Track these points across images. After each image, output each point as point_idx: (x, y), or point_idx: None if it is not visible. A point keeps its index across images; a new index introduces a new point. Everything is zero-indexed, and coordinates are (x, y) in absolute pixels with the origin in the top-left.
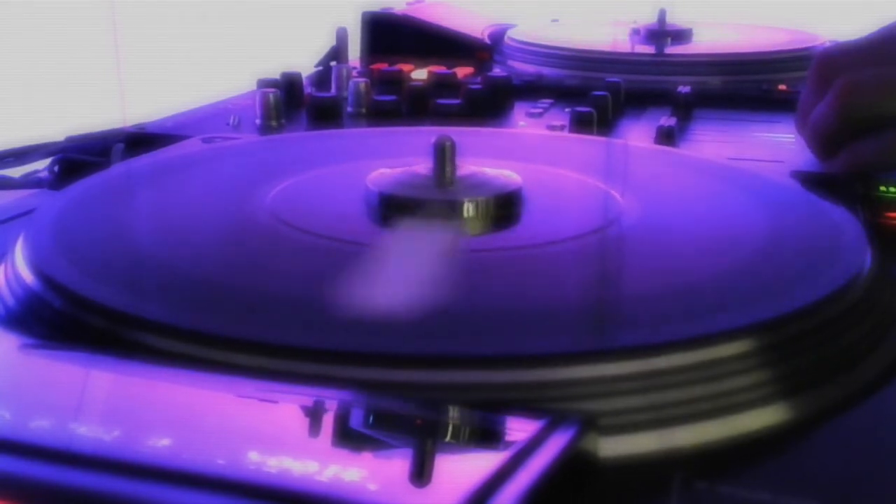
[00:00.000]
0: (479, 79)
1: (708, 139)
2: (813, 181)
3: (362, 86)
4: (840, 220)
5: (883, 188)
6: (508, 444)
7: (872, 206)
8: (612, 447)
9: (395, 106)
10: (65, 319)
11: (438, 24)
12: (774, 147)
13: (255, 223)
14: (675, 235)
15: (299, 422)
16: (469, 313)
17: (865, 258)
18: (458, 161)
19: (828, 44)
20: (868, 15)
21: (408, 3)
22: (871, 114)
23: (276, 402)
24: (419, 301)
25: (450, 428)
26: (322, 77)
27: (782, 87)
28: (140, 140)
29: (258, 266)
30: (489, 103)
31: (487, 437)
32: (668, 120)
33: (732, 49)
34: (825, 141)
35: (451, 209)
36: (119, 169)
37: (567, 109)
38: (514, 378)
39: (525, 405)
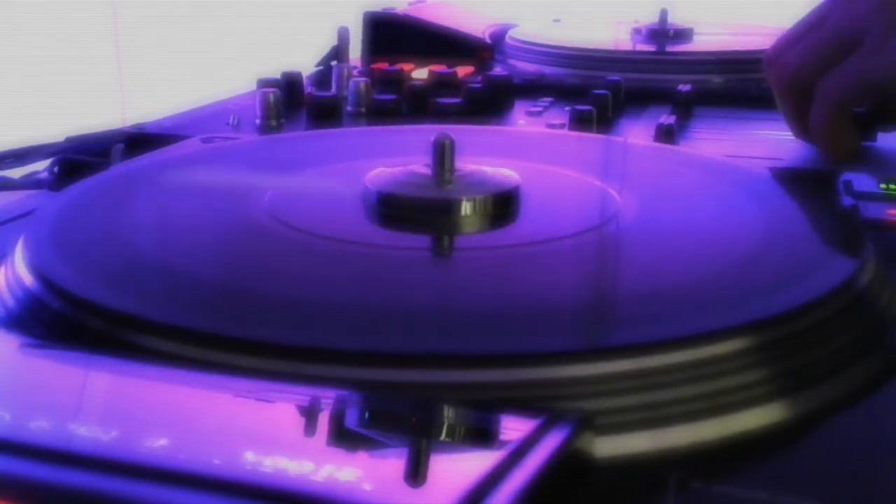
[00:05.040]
0: (479, 78)
1: (707, 137)
2: (813, 179)
3: (362, 85)
4: (838, 217)
5: (884, 185)
6: (503, 444)
7: (872, 204)
8: (608, 447)
9: (396, 105)
10: (64, 321)
11: (440, 23)
12: (774, 145)
13: (254, 223)
14: (671, 233)
15: (295, 421)
16: (464, 312)
17: (863, 256)
18: (458, 160)
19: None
20: None
21: (409, 3)
22: (801, 85)
23: (272, 401)
24: None
25: (445, 427)
26: (323, 77)
27: None
28: (140, 140)
29: (256, 266)
30: (489, 102)
31: (482, 436)
32: (667, 118)
33: (733, 48)
34: (799, 134)
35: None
36: (119, 169)
37: (567, 108)
38: (509, 377)
39: (520, 404)
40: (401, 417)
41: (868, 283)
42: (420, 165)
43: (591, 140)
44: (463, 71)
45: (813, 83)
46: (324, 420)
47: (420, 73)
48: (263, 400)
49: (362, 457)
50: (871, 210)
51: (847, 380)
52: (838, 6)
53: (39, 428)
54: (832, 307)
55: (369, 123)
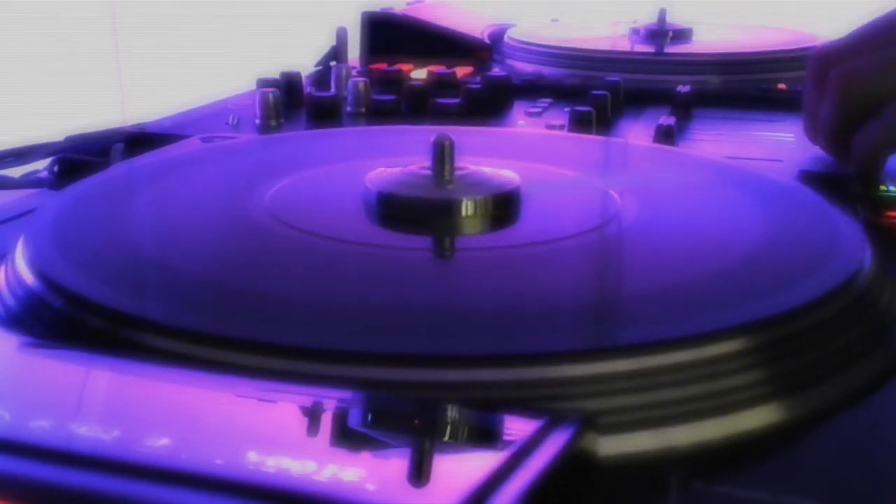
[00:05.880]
0: (478, 78)
1: (707, 138)
2: (812, 180)
3: (361, 85)
4: (838, 218)
5: (883, 187)
6: (507, 444)
7: (872, 206)
8: (608, 446)
9: (395, 105)
10: (65, 320)
11: (438, 24)
12: (773, 146)
13: (254, 222)
14: (672, 234)
15: (298, 421)
16: (467, 312)
17: (863, 257)
18: (457, 160)
19: (821, 43)
20: (867, 15)
21: (408, 3)
22: (868, 100)
23: (274, 401)
24: None
25: (448, 427)
26: (322, 77)
27: (781, 86)
28: (140, 140)
29: (257, 265)
30: (488, 103)
31: (486, 436)
32: (667, 119)
33: (732, 49)
34: (837, 139)
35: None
36: (119, 169)
37: (566, 109)
38: (510, 377)
39: (522, 404)
40: (404, 418)
41: (868, 284)
42: (420, 166)
43: (590, 141)
44: (462, 71)
45: (882, 100)
46: (326, 420)
47: (419, 74)
48: (266, 400)
49: (365, 457)
50: (871, 211)
51: (847, 380)
52: None
53: (40, 427)
54: (832, 307)
55: (369, 123)
